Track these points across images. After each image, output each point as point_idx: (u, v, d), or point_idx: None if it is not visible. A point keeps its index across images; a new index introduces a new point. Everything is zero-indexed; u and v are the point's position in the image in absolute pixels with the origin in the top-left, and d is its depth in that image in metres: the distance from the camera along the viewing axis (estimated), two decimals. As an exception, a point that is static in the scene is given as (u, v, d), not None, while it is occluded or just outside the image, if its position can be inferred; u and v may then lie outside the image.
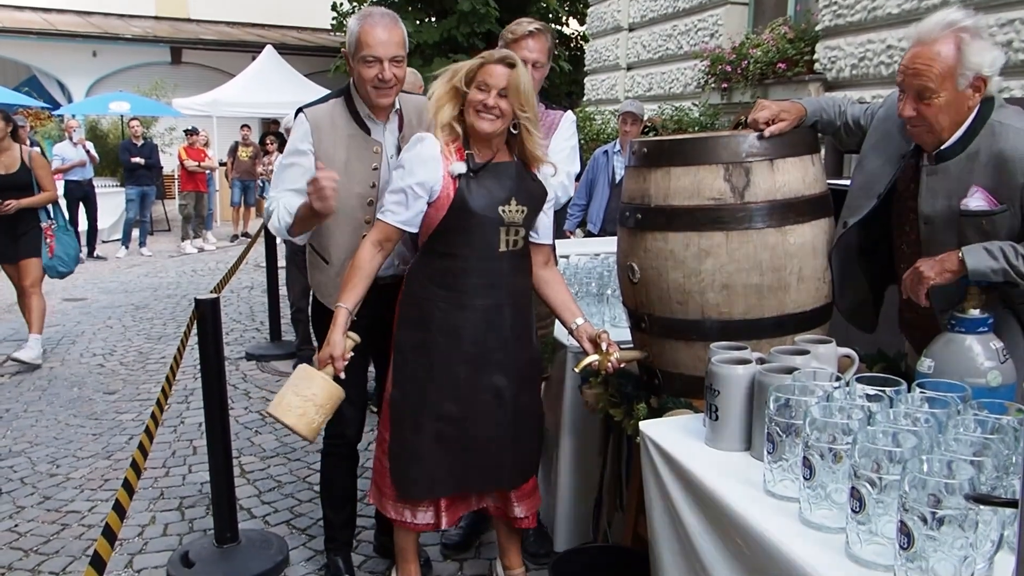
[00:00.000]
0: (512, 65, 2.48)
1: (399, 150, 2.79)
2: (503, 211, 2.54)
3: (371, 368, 3.14)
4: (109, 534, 1.97)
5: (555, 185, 2.94)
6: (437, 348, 2.60)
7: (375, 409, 4.48)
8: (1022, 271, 2.02)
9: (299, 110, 2.84)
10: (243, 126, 13.66)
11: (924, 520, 1.29)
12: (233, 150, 13.49)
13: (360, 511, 3.53)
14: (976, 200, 2.12)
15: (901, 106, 2.18)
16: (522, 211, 2.58)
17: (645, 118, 7.00)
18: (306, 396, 2.41)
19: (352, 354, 2.55)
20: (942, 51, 2.06)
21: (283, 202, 2.74)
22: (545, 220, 2.73)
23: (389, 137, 2.84)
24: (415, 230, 2.59)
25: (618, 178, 6.18)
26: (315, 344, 3.00)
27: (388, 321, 2.77)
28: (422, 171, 2.50)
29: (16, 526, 3.74)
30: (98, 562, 1.84)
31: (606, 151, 6.42)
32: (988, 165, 2.09)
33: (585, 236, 6.46)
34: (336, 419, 2.98)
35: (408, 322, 2.67)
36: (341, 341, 2.50)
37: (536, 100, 3.15)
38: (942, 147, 2.17)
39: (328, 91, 3.02)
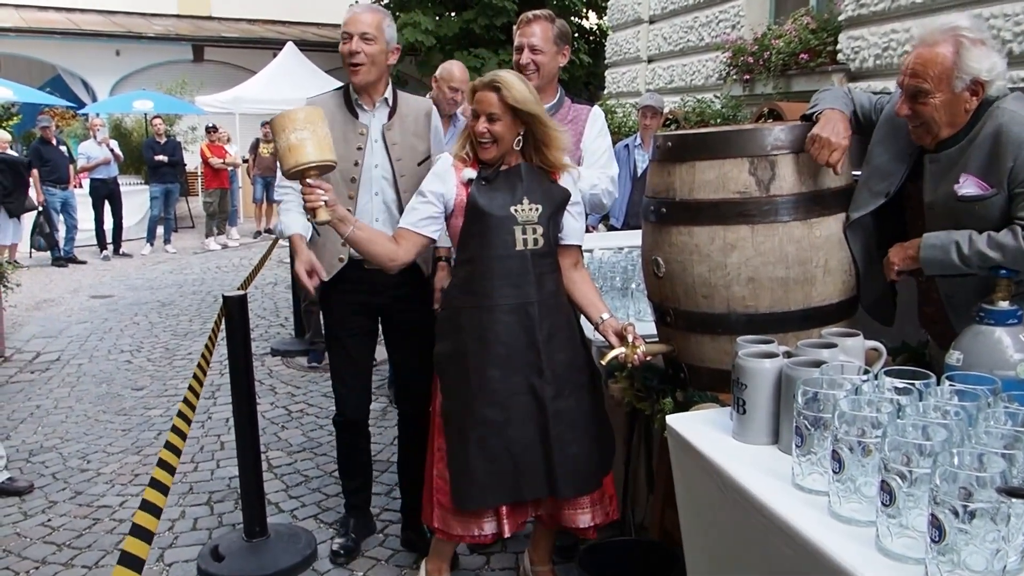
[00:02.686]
0: (497, 88, 2.52)
1: (384, 135, 3.06)
2: (515, 210, 2.57)
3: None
4: (140, 532, 1.99)
5: (599, 192, 3.03)
6: (470, 354, 2.61)
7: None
8: (972, 264, 2.08)
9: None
10: (264, 123, 13.71)
11: (955, 513, 1.28)
12: (255, 147, 13.55)
13: (387, 505, 3.57)
14: (968, 187, 2.14)
15: (898, 105, 2.21)
16: (537, 208, 2.60)
17: (666, 111, 6.97)
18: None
19: (326, 193, 2.51)
20: (940, 53, 2.10)
21: (286, 220, 3.12)
22: (573, 223, 2.73)
23: (376, 123, 3.04)
24: (427, 233, 2.66)
25: (639, 171, 6.17)
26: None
27: (386, 307, 3.13)
28: (436, 183, 2.63)
29: (49, 521, 3.80)
30: (130, 559, 1.86)
31: (627, 145, 6.41)
32: (982, 146, 2.12)
33: (608, 230, 6.45)
34: (337, 400, 3.35)
35: (444, 334, 2.70)
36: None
37: (560, 90, 3.20)
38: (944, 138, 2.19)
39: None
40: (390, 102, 3.08)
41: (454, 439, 2.65)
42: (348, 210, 2.91)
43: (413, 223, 2.65)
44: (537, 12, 3.19)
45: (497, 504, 2.65)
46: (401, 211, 2.99)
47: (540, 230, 2.61)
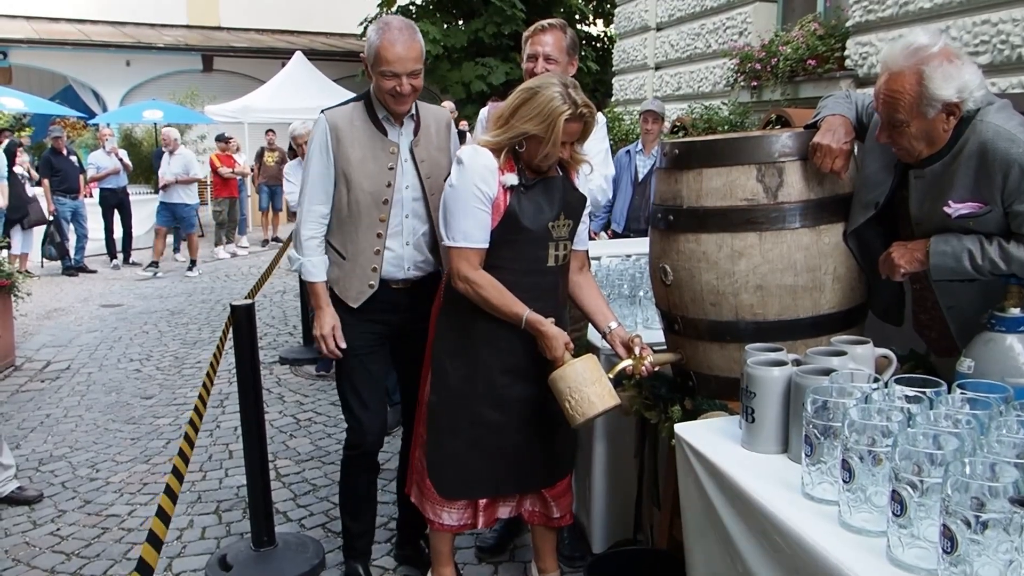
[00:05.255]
0: (588, 122, 2.52)
1: (412, 153, 2.87)
2: (552, 227, 2.57)
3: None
4: (154, 540, 1.99)
5: (594, 189, 2.99)
6: (479, 357, 2.63)
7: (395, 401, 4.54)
8: (985, 272, 2.04)
9: (321, 112, 2.92)
10: (268, 131, 13.75)
11: (967, 524, 1.27)
12: (259, 156, 13.58)
13: (394, 515, 3.55)
14: (961, 210, 2.09)
15: (877, 133, 2.18)
16: (568, 225, 2.62)
17: (674, 118, 6.97)
18: (574, 387, 2.42)
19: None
20: (906, 84, 2.04)
21: (309, 264, 2.88)
22: (582, 227, 2.74)
23: (404, 140, 2.89)
24: None
25: (640, 177, 6.18)
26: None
27: (406, 325, 2.94)
28: (485, 184, 2.50)
29: (58, 530, 3.80)
30: (144, 568, 1.86)
31: (628, 151, 6.43)
32: (969, 162, 2.07)
33: (612, 236, 6.44)
34: (355, 428, 3.05)
35: (448, 331, 2.69)
36: (557, 330, 2.51)
37: None
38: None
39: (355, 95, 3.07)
40: (415, 116, 2.91)
41: (442, 432, 2.72)
42: (378, 234, 2.84)
43: (487, 239, 2.53)
44: (551, 21, 3.17)
45: (479, 497, 2.79)
46: (433, 234, 2.89)
47: (568, 245, 2.64)
